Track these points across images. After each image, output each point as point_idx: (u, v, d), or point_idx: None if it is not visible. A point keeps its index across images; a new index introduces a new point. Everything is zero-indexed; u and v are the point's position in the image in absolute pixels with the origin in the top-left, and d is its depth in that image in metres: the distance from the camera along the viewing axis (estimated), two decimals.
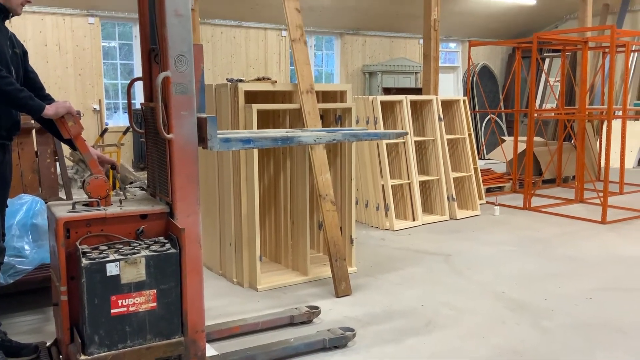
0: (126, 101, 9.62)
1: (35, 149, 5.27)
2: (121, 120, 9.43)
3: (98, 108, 8.82)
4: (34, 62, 8.44)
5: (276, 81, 4.31)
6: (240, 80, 4.27)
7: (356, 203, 6.03)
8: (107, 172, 2.87)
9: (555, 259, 4.69)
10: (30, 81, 2.78)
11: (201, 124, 2.58)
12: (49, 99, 2.75)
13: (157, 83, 2.52)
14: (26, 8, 2.87)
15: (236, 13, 9.79)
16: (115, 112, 9.52)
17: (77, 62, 8.66)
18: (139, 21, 2.88)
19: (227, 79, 4.43)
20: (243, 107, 4.06)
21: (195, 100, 2.62)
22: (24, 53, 2.76)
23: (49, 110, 2.44)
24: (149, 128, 2.85)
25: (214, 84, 4.39)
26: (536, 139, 8.57)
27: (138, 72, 9.55)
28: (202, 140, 2.58)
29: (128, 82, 9.45)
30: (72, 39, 8.59)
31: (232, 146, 2.69)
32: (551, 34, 6.85)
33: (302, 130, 3.43)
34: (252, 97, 4.29)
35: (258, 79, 4.39)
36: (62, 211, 2.39)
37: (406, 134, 3.51)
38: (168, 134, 2.50)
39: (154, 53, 2.69)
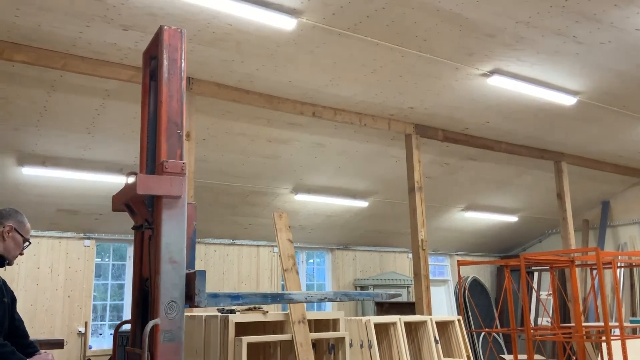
0: (113, 322, 9.41)
1: None
2: (105, 342, 9.11)
3: (83, 330, 8.56)
4: (24, 284, 8.36)
5: (267, 311, 4.26)
6: (232, 311, 4.21)
7: None
8: None
9: None
10: (15, 329, 2.72)
11: (189, 280, 2.52)
12: (32, 348, 2.67)
13: (145, 332, 2.46)
14: None
15: (230, 232, 10.09)
16: (100, 334, 9.23)
17: (68, 284, 8.64)
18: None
19: (217, 309, 4.38)
20: (233, 340, 3.94)
21: (182, 347, 2.54)
22: (13, 301, 2.74)
23: None
24: None
25: (204, 315, 4.32)
26: (536, 356, 8.27)
27: (129, 294, 9.48)
28: (190, 297, 2.50)
29: (117, 302, 9.37)
30: (65, 261, 8.68)
31: (220, 302, 2.59)
32: (537, 255, 7.03)
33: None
34: (243, 327, 4.19)
35: (249, 309, 4.34)
36: None
37: (400, 295, 3.34)
38: None
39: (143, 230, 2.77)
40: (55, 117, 6.47)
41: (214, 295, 2.60)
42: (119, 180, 7.89)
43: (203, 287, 2.54)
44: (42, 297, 8.41)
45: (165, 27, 2.80)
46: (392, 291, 11.38)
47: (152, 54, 3.09)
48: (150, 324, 2.49)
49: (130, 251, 9.61)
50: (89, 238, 8.91)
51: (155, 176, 2.66)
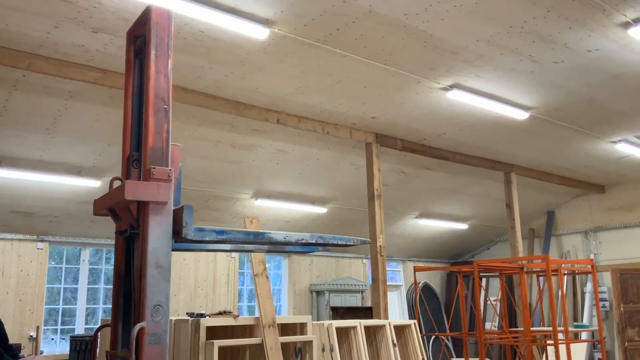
0: (65, 327, 9.19)
1: None
2: (57, 348, 8.90)
3: (35, 335, 8.34)
4: None
5: (238, 315, 4.33)
6: (202, 315, 4.26)
7: None
8: None
9: None
10: None
11: (177, 214, 2.65)
12: (12, 350, 2.66)
13: (132, 335, 2.52)
14: None
15: None
16: (52, 339, 9.00)
17: (20, 287, 8.41)
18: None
19: (187, 313, 4.41)
20: (204, 344, 4.00)
21: (167, 350, 2.61)
22: None
23: None
24: None
25: (174, 320, 4.35)
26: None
27: (82, 298, 9.30)
28: (177, 232, 2.63)
29: (70, 306, 9.16)
30: (17, 264, 8.45)
31: (206, 235, 2.73)
32: (489, 262, 7.34)
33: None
34: (212, 331, 4.25)
35: (220, 313, 4.40)
36: None
37: (368, 242, 3.45)
38: None
39: (132, 159, 2.93)
40: (15, 117, 6.33)
41: (201, 230, 2.74)
42: (77, 183, 7.77)
43: (190, 220, 2.67)
44: None
45: (153, 6, 2.87)
46: (348, 295, 11.55)
47: (137, 33, 3.14)
48: (137, 327, 2.54)
49: (84, 254, 9.43)
50: (42, 240, 8.70)
51: (143, 182, 2.72)
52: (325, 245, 3.29)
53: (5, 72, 5.61)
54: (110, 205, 2.88)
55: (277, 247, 3.48)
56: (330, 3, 4.81)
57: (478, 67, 6.09)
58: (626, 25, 5.26)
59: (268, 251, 3.50)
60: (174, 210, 2.71)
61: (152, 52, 2.83)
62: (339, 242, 3.21)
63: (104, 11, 4.77)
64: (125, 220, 2.87)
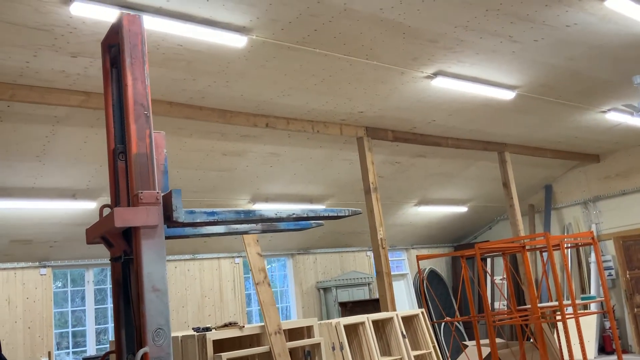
0: (78, 349, 9.21)
1: None
2: None
3: None
4: None
5: (244, 326, 4.34)
6: (207, 329, 4.28)
7: None
8: None
9: None
10: None
11: (166, 200, 2.62)
12: None
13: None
14: None
15: (190, 247, 10.06)
16: None
17: (27, 315, 8.43)
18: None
19: (193, 329, 4.43)
20: (212, 357, 4.02)
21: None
22: None
23: None
24: None
25: (180, 336, 4.37)
26: (497, 340, 8.62)
27: (91, 319, 9.32)
28: (168, 217, 2.60)
29: (79, 328, 9.18)
30: (22, 292, 8.47)
31: (197, 217, 2.69)
32: (490, 244, 7.37)
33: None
34: (219, 344, 4.27)
35: (225, 325, 4.42)
36: None
37: (360, 212, 3.41)
38: None
39: (118, 151, 2.91)
40: (4, 147, 6.33)
41: (191, 212, 2.72)
42: (73, 206, 7.78)
43: (180, 204, 2.66)
44: (2, 331, 8.17)
45: (125, 14, 2.88)
46: (355, 289, 11.58)
47: (111, 43, 3.15)
48: (140, 352, 2.55)
49: (88, 276, 9.45)
50: (44, 266, 8.71)
51: (132, 208, 2.72)
52: (317, 219, 3.27)
53: None
54: (101, 233, 2.88)
55: (271, 226, 3.45)
56: (304, 5, 4.80)
57: (459, 52, 6.09)
58: None
59: (262, 231, 3.47)
60: (163, 196, 2.71)
61: (127, 60, 2.84)
62: (330, 214, 3.20)
63: (80, 35, 4.77)
64: (118, 247, 2.87)
